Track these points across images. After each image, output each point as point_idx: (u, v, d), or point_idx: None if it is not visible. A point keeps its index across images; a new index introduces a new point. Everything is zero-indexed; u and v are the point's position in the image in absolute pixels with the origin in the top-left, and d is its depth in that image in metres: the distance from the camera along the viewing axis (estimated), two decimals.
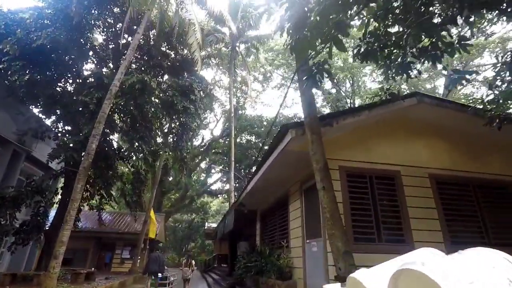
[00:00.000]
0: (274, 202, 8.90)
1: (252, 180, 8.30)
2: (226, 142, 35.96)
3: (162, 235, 27.47)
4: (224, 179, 39.23)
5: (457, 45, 3.99)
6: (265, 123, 31.94)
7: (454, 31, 4.82)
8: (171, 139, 15.80)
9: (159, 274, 11.00)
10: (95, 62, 15.02)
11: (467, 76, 3.85)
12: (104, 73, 13.60)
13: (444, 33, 4.03)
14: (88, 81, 13.51)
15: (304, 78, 4.28)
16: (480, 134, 6.28)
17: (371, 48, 3.77)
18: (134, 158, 11.86)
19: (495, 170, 6.29)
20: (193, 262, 11.68)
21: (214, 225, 31.53)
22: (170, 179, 34.44)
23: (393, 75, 4.26)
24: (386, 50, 4.01)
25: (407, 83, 5.78)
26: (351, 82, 23.77)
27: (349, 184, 5.42)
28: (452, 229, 5.66)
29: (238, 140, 31.89)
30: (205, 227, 33.85)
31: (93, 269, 13.84)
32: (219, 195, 41.81)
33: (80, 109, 11.99)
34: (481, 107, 5.47)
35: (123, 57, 11.88)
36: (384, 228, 5.31)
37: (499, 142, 6.41)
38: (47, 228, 12.67)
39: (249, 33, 19.65)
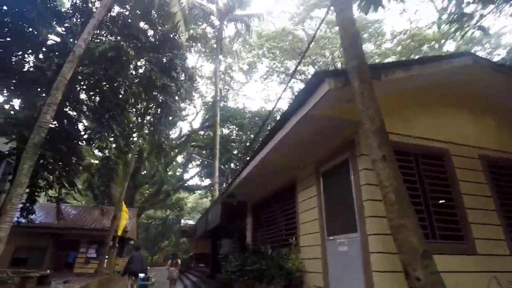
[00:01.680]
0: (272, 192, 7.45)
1: (248, 164, 6.80)
2: (206, 135, 34.10)
3: (134, 232, 25.20)
4: (202, 174, 37.28)
5: None
6: (248, 115, 30.50)
7: None
8: (148, 124, 13.90)
9: (141, 275, 9.78)
10: (61, 32, 12.68)
11: None
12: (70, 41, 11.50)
13: None
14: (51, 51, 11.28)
15: None
16: None
17: None
18: (102, 140, 9.91)
19: None
20: (179, 261, 10.65)
21: (191, 222, 29.63)
22: (144, 172, 32.04)
23: None
24: None
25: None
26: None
27: None
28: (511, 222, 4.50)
29: (218, 132, 30.20)
30: (181, 224, 31.80)
31: (48, 271, 11.70)
32: (196, 191, 39.75)
33: (36, 78, 9.88)
34: None
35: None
36: (436, 221, 4.03)
37: None
38: None
39: (238, 12, 18.02)
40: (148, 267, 12.05)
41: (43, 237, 18.90)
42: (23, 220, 12.41)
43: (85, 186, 19.86)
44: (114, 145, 11.19)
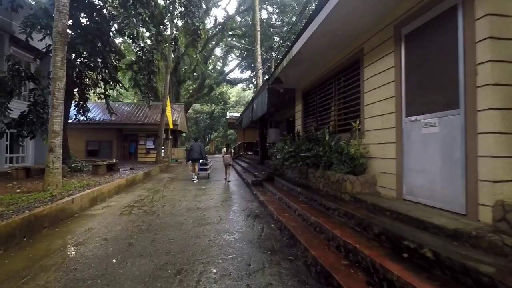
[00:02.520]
0: (327, 72, 6.34)
1: (299, 39, 5.53)
2: (244, 21, 31.09)
3: (184, 125, 26.74)
4: (243, 66, 36.01)
5: None
6: None
7: None
8: (179, 7, 12.33)
9: (200, 161, 11.73)
10: None
11: None
12: None
13: None
14: None
15: None
16: None
17: None
18: (131, 26, 8.97)
19: None
20: (232, 149, 12.18)
21: (236, 114, 30.39)
22: (185, 68, 31.62)
23: None
24: None
25: None
26: None
27: None
28: None
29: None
30: (227, 117, 32.95)
31: (114, 160, 13.01)
32: (238, 84, 39.33)
33: None
34: None
35: None
36: None
37: None
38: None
39: None
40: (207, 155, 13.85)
41: (108, 132, 20.89)
42: (82, 117, 13.19)
43: (131, 84, 20.24)
44: (146, 34, 10.26)
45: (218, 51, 38.14)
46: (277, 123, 14.89)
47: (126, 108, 23.37)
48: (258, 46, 13.02)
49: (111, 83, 11.88)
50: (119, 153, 21.23)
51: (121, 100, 33.94)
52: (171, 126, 18.38)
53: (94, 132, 20.74)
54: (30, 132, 10.07)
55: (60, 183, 6.61)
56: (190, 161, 11.50)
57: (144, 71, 11.12)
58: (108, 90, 12.32)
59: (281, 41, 27.52)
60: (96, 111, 20.94)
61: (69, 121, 17.70)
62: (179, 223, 5.14)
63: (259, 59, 12.85)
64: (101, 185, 7.60)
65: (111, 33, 10.65)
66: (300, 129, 8.19)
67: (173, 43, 13.73)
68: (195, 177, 11.36)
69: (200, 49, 17.50)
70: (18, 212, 4.57)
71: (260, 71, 12.91)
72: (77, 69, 11.72)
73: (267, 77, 15.28)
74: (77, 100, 12.45)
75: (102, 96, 12.27)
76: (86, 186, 7.28)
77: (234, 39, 32.95)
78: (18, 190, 6.74)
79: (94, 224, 5.12)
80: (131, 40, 10.60)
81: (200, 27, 12.31)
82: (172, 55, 22.35)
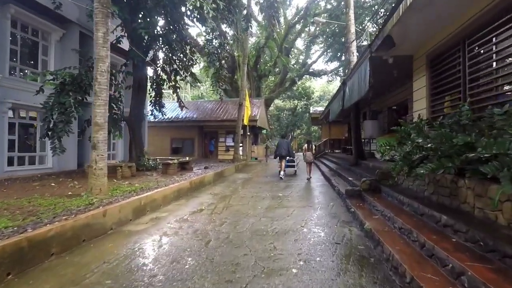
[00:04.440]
0: (494, 5, 3.47)
1: None
2: (329, 6, 27.89)
3: (264, 121, 25.33)
4: (327, 57, 32.70)
5: None
6: None
7: None
8: None
9: (288, 158, 11.50)
10: None
11: None
12: None
13: None
14: None
15: None
16: None
17: None
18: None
19: None
20: (314, 147, 12.05)
21: (320, 108, 27.57)
22: (266, 61, 30.20)
23: None
24: None
25: None
26: None
27: None
28: None
29: None
30: (311, 112, 30.38)
31: (187, 158, 12.16)
32: (322, 76, 36.04)
33: None
34: None
35: None
36: None
37: None
38: (128, 116, 10.87)
39: None
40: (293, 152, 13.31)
41: (190, 130, 20.95)
42: (158, 114, 12.74)
43: (212, 80, 19.77)
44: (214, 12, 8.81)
45: (300, 44, 35.73)
46: (374, 113, 11.82)
47: (207, 106, 23.25)
48: (351, 12, 10.07)
49: (182, 73, 10.94)
50: (200, 151, 21.10)
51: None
52: (246, 122, 16.97)
53: (177, 130, 21.04)
54: None
55: (105, 187, 5.47)
56: (278, 158, 11.41)
57: (213, 56, 9.75)
58: (179, 82, 11.46)
59: (374, 20, 23.35)
60: (178, 110, 21.19)
61: (156, 120, 18.11)
62: (233, 264, 3.16)
63: (352, 29, 9.87)
64: (157, 189, 6.29)
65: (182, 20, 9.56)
66: (425, 114, 5.33)
67: (245, 21, 12.11)
68: (282, 173, 10.95)
69: (278, 28, 15.44)
70: (20, 230, 3.33)
71: (354, 44, 10.00)
72: (155, 68, 11.26)
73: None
74: (152, 96, 12.01)
75: (172, 89, 11.49)
76: (138, 191, 6.05)
77: (317, 29, 29.97)
78: (69, 192, 5.90)
79: (118, 251, 3.59)
80: (199, 22, 9.30)
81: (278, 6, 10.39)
82: (250, 43, 20.98)
